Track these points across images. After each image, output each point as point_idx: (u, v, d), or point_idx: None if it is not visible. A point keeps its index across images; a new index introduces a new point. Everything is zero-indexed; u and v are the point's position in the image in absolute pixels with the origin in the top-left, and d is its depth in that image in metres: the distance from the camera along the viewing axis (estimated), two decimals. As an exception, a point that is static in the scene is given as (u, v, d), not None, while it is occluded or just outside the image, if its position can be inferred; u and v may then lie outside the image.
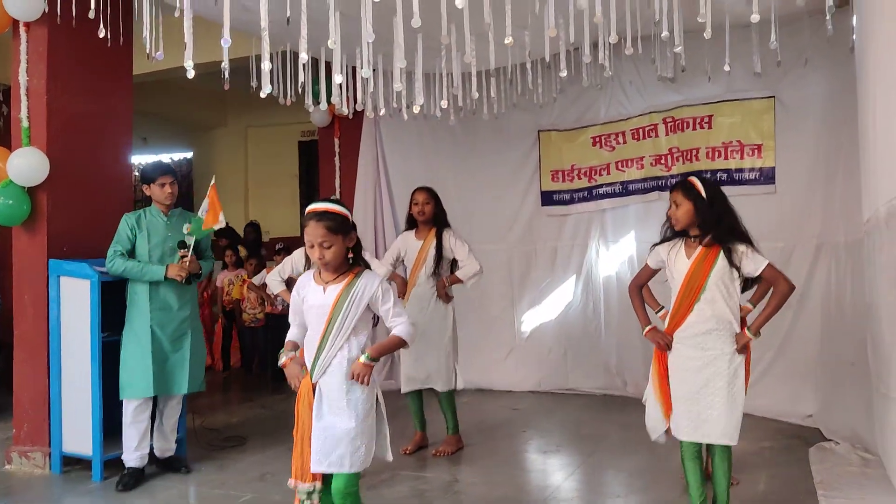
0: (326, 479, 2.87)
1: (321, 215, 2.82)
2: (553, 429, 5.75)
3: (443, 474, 4.55)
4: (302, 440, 2.86)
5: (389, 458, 2.96)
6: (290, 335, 3.03)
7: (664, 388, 3.42)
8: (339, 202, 2.96)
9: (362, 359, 2.81)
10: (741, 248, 3.32)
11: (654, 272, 3.57)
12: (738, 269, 3.31)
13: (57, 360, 4.61)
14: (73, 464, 4.65)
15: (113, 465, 4.57)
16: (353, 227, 2.91)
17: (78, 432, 4.53)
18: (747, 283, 3.47)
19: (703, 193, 3.35)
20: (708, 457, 3.51)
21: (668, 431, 3.46)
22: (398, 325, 2.89)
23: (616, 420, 5.79)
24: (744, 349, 3.32)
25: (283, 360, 2.95)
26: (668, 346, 3.40)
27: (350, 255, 2.89)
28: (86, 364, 4.50)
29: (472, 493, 4.16)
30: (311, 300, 2.88)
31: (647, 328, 3.52)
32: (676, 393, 3.36)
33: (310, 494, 2.84)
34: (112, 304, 4.62)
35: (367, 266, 2.99)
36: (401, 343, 2.89)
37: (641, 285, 3.63)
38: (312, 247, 2.82)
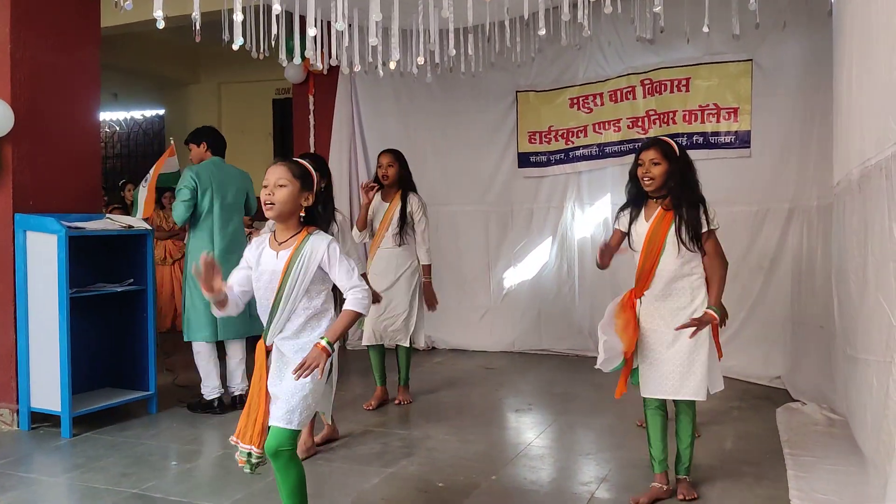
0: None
1: (287, 159, 2.75)
2: (526, 388, 5.80)
3: (415, 431, 4.58)
4: (251, 402, 2.75)
5: (328, 419, 2.91)
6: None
7: (632, 335, 3.31)
8: (315, 158, 2.85)
9: (322, 342, 2.63)
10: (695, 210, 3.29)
11: (624, 235, 3.47)
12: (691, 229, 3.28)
13: (24, 317, 4.54)
14: (41, 420, 4.61)
15: (81, 421, 4.55)
16: (317, 189, 2.77)
17: (46, 389, 4.48)
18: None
19: (678, 156, 3.34)
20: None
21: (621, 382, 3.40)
22: (350, 297, 2.67)
23: (587, 380, 5.84)
24: (707, 324, 3.23)
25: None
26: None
27: (302, 214, 2.73)
28: (54, 320, 4.43)
29: (445, 450, 4.18)
30: (265, 265, 2.73)
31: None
32: (643, 352, 3.37)
33: (249, 456, 2.72)
34: (81, 259, 4.56)
35: (325, 230, 2.83)
36: (355, 316, 2.69)
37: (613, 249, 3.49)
38: (266, 187, 2.69)
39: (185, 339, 5.02)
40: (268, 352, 2.76)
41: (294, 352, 2.70)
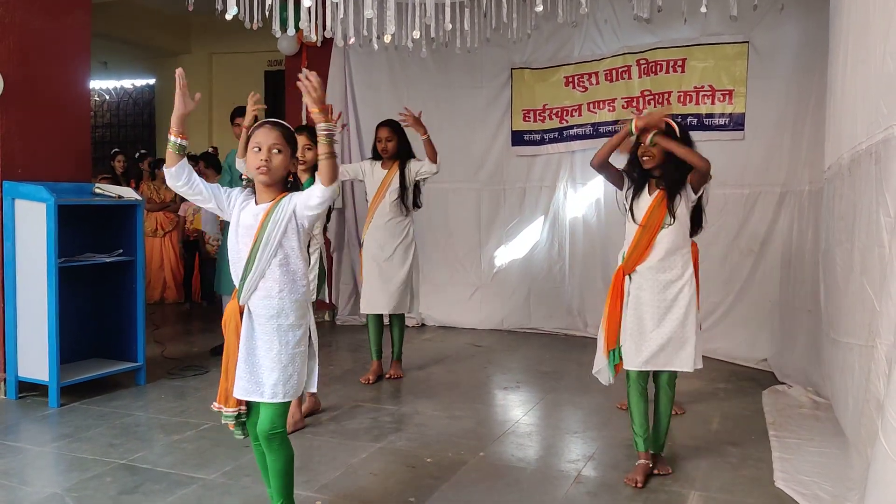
0: (250, 404, 2.74)
1: (276, 123, 2.69)
2: (514, 366, 5.83)
3: (404, 407, 4.59)
4: (227, 364, 2.69)
5: (313, 389, 2.84)
6: None
7: (613, 320, 3.43)
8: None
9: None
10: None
11: (618, 172, 3.47)
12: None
13: (12, 285, 4.52)
14: (28, 390, 4.60)
15: (69, 391, 4.54)
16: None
17: (34, 358, 4.47)
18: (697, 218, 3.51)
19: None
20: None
21: (616, 367, 3.50)
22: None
23: (575, 359, 5.88)
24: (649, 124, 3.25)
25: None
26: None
27: (290, 179, 2.71)
28: (42, 289, 4.41)
29: (434, 425, 4.20)
30: (245, 218, 2.66)
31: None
32: (628, 324, 3.41)
33: (237, 418, 2.70)
34: (70, 229, 4.52)
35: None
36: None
37: None
38: (259, 150, 2.61)
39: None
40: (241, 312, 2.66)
41: (268, 317, 2.62)
